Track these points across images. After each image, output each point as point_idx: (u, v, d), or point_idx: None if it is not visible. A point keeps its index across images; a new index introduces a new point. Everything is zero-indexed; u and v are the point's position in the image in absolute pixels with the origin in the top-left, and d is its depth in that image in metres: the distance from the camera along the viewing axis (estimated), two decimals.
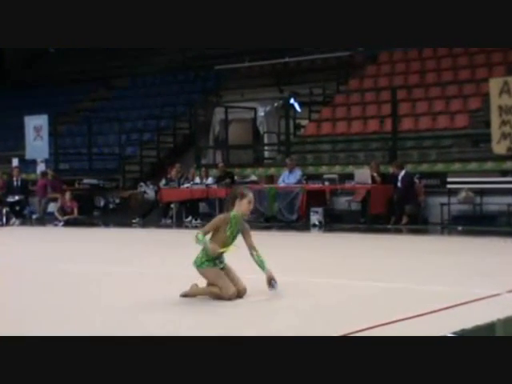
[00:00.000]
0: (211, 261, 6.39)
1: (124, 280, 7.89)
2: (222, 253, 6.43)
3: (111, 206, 20.90)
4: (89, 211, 19.60)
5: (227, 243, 6.41)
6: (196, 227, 16.38)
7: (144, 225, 16.89)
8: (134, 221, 17.27)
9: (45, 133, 20.90)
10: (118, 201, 20.95)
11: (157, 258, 10.00)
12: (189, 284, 6.48)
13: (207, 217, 17.22)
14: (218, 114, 22.23)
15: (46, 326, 5.40)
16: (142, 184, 20.17)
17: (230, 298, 6.21)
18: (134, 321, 5.55)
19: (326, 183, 16.01)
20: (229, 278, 6.35)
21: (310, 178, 16.95)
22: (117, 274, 8.33)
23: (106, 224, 17.93)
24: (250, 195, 6.48)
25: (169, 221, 17.45)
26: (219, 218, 6.51)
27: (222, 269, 6.43)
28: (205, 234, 6.38)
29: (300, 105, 20.62)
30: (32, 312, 6.05)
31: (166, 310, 6.01)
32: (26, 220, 18.72)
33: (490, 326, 5.09)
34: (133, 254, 10.67)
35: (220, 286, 6.29)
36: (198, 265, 6.43)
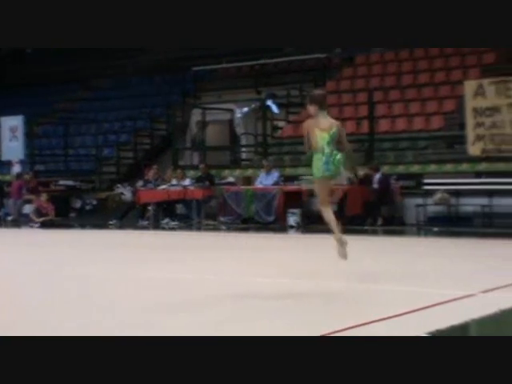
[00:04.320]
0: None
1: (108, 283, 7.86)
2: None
3: (88, 207, 20.80)
4: (65, 213, 19.48)
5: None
6: (173, 229, 16.38)
7: (121, 226, 16.83)
8: (110, 222, 17.20)
9: (20, 133, 20.76)
10: (94, 202, 20.85)
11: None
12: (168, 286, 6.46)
13: (184, 218, 17.25)
14: (196, 115, 22.21)
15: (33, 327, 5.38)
16: (118, 185, 20.10)
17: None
18: (131, 322, 5.54)
19: (303, 184, 16.06)
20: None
21: (287, 179, 16.99)
22: (92, 277, 8.29)
23: (83, 226, 17.84)
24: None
25: (146, 222, 17.41)
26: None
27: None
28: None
29: (277, 106, 20.67)
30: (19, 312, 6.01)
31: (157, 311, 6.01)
32: (0, 222, 18.56)
33: (465, 326, 5.15)
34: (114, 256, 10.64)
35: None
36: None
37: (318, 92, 7.40)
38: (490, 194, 14.55)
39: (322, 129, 6.83)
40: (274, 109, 20.57)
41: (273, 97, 20.86)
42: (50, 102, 26.97)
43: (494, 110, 14.21)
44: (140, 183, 18.24)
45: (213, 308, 6.06)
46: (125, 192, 19.15)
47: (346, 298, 6.48)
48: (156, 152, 23.03)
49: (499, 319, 5.48)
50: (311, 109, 6.95)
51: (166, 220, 17.24)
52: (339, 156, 6.91)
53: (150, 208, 17.58)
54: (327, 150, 6.83)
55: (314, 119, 6.92)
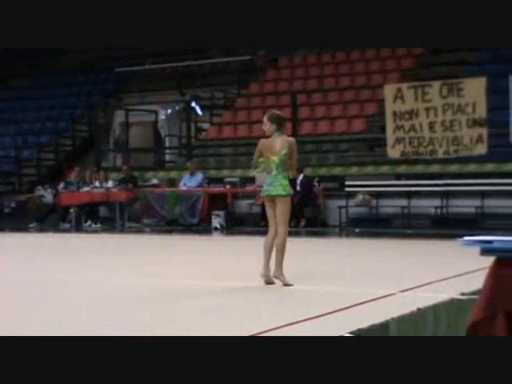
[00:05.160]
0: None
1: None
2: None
3: (7, 210, 20.28)
4: None
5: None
6: (96, 231, 16.14)
7: (41, 229, 16.48)
8: (30, 225, 16.82)
9: None
10: (13, 205, 20.34)
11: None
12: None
13: (107, 221, 17.03)
14: (119, 116, 21.97)
15: None
16: (39, 187, 19.68)
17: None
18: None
19: (228, 186, 16.12)
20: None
21: (211, 181, 17.01)
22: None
23: (1, 229, 17.35)
24: (264, 118, 7.31)
25: (67, 225, 17.11)
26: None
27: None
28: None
29: (201, 108, 20.68)
30: None
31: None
32: None
33: (385, 325, 5.29)
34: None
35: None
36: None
37: (278, 113, 7.53)
38: (409, 195, 14.96)
39: (273, 152, 7.16)
40: (198, 110, 20.56)
41: (197, 98, 20.86)
42: None
43: (413, 113, 14.60)
44: (61, 185, 17.91)
45: (145, 310, 6.04)
46: (46, 194, 18.77)
47: (272, 299, 6.55)
48: (78, 153, 22.65)
49: (416, 319, 5.66)
50: (269, 126, 7.19)
51: (89, 222, 16.99)
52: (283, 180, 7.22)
53: (71, 210, 17.29)
54: (274, 172, 7.18)
55: (270, 140, 7.18)
